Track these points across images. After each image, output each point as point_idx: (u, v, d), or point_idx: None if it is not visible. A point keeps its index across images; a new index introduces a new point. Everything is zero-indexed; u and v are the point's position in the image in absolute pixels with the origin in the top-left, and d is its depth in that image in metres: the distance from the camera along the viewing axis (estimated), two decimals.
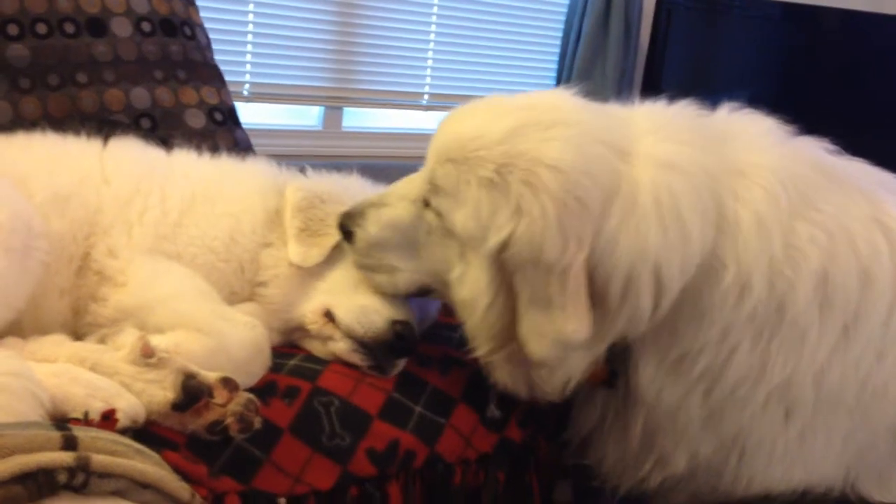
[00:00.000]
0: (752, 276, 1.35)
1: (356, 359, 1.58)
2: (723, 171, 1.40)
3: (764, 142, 1.48)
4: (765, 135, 1.49)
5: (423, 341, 1.66)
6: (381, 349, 1.57)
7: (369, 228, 1.56)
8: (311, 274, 1.65)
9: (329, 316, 1.60)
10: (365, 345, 1.57)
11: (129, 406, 1.28)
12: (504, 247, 1.35)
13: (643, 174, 1.36)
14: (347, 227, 1.59)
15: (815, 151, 1.51)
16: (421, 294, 1.61)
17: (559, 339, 1.34)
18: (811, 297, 1.36)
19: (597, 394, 1.57)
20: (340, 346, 1.58)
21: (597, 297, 1.35)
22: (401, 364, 1.61)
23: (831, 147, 1.53)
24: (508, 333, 1.41)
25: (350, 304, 1.59)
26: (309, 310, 1.62)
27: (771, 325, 1.37)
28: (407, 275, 1.56)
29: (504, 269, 1.37)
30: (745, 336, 1.37)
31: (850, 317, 1.38)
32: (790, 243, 1.37)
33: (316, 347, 1.63)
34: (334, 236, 1.65)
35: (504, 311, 1.40)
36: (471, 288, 1.42)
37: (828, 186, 1.45)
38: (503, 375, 1.50)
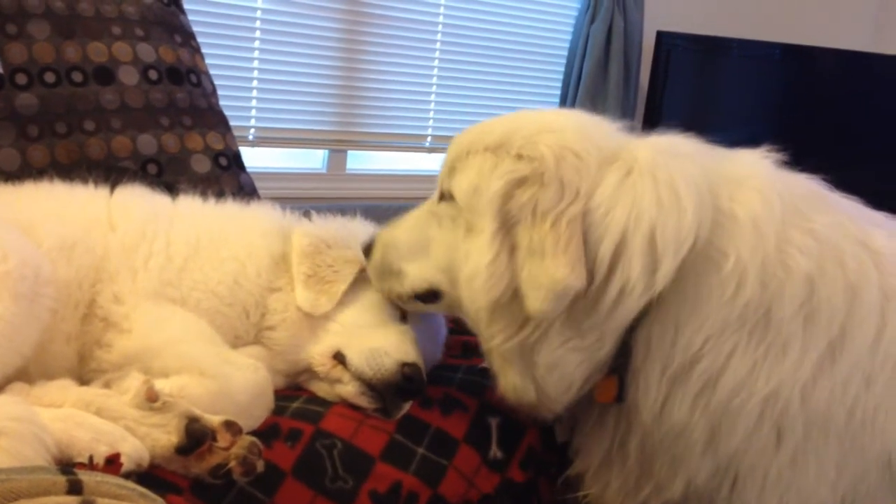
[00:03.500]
0: (748, 270, 1.36)
1: (363, 401, 1.58)
2: (720, 176, 1.44)
3: (761, 163, 1.51)
4: (761, 159, 1.53)
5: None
6: (389, 392, 1.57)
7: (385, 234, 1.64)
8: (320, 317, 1.66)
9: (338, 358, 1.61)
10: (373, 387, 1.57)
11: (133, 450, 1.29)
12: (506, 196, 1.40)
13: (642, 153, 1.42)
14: (370, 243, 1.67)
15: (808, 180, 1.54)
16: (428, 299, 1.61)
17: (552, 286, 1.33)
18: (797, 306, 1.37)
19: (607, 420, 1.55)
20: (348, 389, 1.59)
21: (587, 267, 1.35)
22: (406, 407, 1.61)
23: (824, 183, 1.56)
24: (516, 310, 1.41)
25: (361, 347, 1.60)
26: (317, 352, 1.63)
27: (759, 330, 1.37)
28: (416, 274, 1.59)
29: (505, 226, 1.40)
30: (740, 339, 1.37)
31: (834, 334, 1.38)
32: (783, 247, 1.39)
33: (322, 389, 1.64)
34: (343, 282, 1.67)
35: (505, 274, 1.40)
36: (475, 253, 1.44)
37: (819, 207, 1.47)
38: (513, 377, 1.48)
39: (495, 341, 1.46)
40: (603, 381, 1.46)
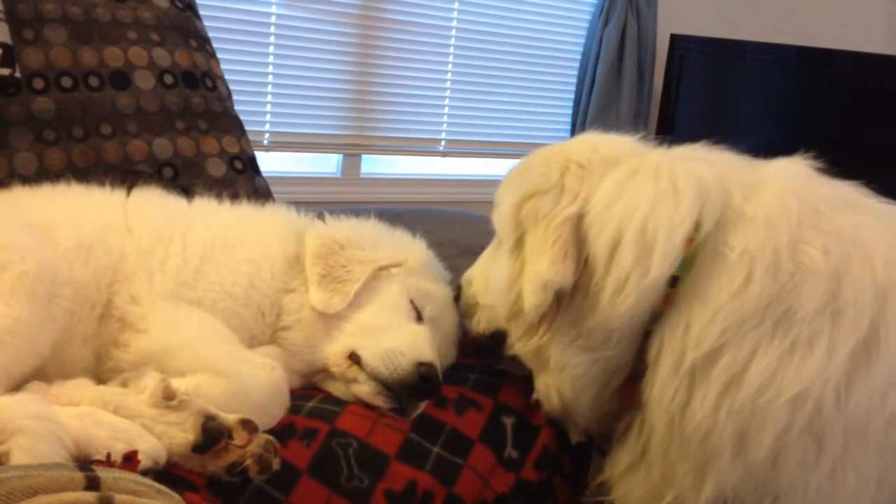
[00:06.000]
0: (756, 262, 1.33)
1: (379, 401, 1.59)
2: (740, 181, 1.45)
3: (788, 169, 1.49)
4: (791, 165, 1.51)
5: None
6: (405, 391, 1.58)
7: (466, 274, 1.80)
8: (334, 317, 1.67)
9: (353, 358, 1.62)
10: (389, 387, 1.58)
11: (150, 448, 1.30)
12: (517, 209, 1.51)
13: (652, 157, 1.49)
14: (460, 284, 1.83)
15: (841, 185, 1.50)
16: (496, 339, 1.69)
17: (535, 281, 1.43)
18: (820, 303, 1.32)
19: (633, 426, 1.54)
20: (364, 389, 1.60)
21: (588, 269, 1.42)
22: (421, 406, 1.62)
23: (864, 189, 1.51)
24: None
25: (376, 347, 1.61)
26: (333, 352, 1.64)
27: (784, 325, 1.32)
28: (486, 310, 1.71)
29: (520, 238, 1.51)
30: (763, 334, 1.32)
31: (864, 333, 1.31)
32: (796, 245, 1.35)
33: (338, 389, 1.64)
34: (356, 282, 1.68)
35: (518, 281, 1.51)
36: (499, 269, 1.57)
37: (844, 209, 1.43)
38: (539, 383, 1.58)
39: (517, 347, 1.54)
40: (630, 388, 1.48)
